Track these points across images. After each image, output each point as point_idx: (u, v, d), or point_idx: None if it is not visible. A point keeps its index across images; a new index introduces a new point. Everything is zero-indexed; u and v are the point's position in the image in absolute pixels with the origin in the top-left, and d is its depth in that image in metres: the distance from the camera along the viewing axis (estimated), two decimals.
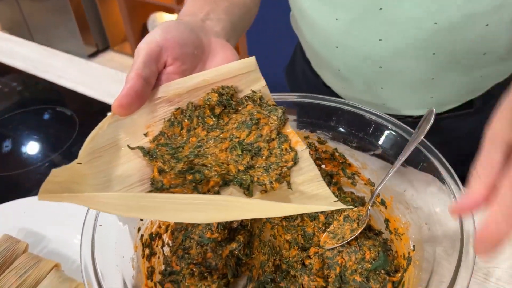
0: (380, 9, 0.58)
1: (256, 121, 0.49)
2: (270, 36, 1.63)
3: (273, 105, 0.51)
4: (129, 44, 3.00)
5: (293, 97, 0.63)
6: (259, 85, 0.52)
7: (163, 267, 0.59)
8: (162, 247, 0.60)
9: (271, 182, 0.47)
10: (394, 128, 0.58)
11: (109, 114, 0.45)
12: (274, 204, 0.41)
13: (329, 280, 0.54)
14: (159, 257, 0.59)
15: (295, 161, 0.49)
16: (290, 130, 0.51)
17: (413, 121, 0.73)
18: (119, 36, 3.19)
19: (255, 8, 0.69)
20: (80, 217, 0.49)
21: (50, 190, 0.38)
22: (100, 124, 0.45)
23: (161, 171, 0.46)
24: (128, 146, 0.46)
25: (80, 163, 0.43)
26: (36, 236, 0.67)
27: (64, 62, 1.11)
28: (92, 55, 3.13)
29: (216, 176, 0.46)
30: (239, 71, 0.50)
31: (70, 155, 0.82)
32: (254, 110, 0.50)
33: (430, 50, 0.59)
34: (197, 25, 0.52)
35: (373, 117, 0.60)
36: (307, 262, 0.57)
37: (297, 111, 0.65)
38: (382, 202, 0.61)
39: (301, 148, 0.50)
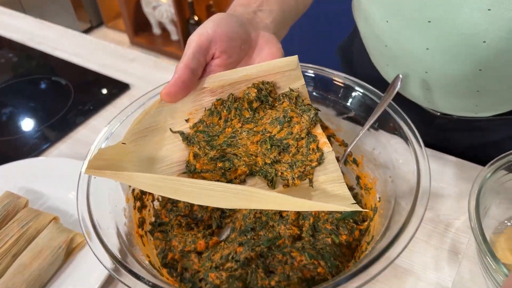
0: (429, 22, 0.59)
1: (289, 119, 0.51)
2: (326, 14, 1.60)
3: (308, 104, 0.53)
4: (122, 21, 3.00)
5: None
6: (299, 83, 0.53)
7: (153, 219, 0.64)
8: (153, 201, 0.65)
9: (293, 178, 0.51)
10: (365, 93, 0.63)
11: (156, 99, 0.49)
12: (291, 199, 0.42)
13: (303, 228, 0.60)
14: (149, 210, 0.64)
15: (320, 162, 0.51)
16: (320, 131, 0.53)
17: (458, 119, 0.74)
18: (112, 12, 3.19)
19: (308, 1, 0.69)
20: (75, 176, 0.53)
21: (95, 166, 0.43)
22: (147, 108, 0.49)
23: (195, 156, 0.50)
24: (170, 130, 0.50)
25: (125, 143, 0.47)
26: (35, 193, 0.72)
27: (58, 34, 1.14)
28: (85, 31, 3.14)
29: (244, 166, 0.51)
30: (281, 69, 0.52)
31: (66, 122, 0.87)
32: (289, 108, 0.52)
33: (477, 66, 0.60)
34: (248, 17, 0.54)
35: (347, 82, 0.65)
36: (284, 214, 0.62)
37: None
38: (354, 161, 0.66)
39: (328, 150, 0.52)
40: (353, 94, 0.64)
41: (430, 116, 0.77)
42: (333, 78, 0.65)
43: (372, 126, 0.61)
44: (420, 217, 0.46)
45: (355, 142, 0.60)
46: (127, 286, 0.43)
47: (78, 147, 0.82)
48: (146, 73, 0.97)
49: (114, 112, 0.63)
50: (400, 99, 0.72)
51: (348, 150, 0.61)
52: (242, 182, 0.52)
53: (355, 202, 0.47)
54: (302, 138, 0.52)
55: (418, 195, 0.49)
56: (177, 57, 2.85)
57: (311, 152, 0.52)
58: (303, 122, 0.52)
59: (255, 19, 0.55)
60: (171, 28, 2.90)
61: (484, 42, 0.57)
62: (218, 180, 0.51)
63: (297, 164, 0.51)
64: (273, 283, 0.53)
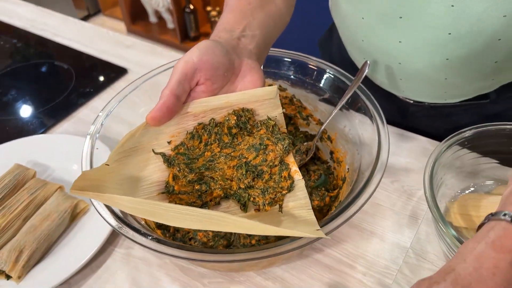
0: (400, 17, 0.65)
1: (265, 146, 0.54)
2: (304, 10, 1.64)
3: (283, 133, 0.56)
4: (119, 9, 3.05)
5: None
6: (277, 112, 0.57)
7: None
8: None
9: (264, 204, 0.54)
10: (338, 76, 0.71)
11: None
12: (259, 225, 0.45)
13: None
14: None
15: (290, 189, 0.55)
16: (292, 160, 0.56)
17: (430, 106, 0.81)
18: (110, 0, 3.24)
19: (288, 16, 0.72)
20: (77, 151, 0.61)
21: (80, 187, 0.46)
22: (133, 130, 0.52)
23: (175, 177, 0.54)
24: (153, 151, 0.54)
25: (108, 165, 0.50)
26: (42, 166, 0.79)
27: (58, 21, 1.21)
28: (83, 19, 3.19)
29: (219, 189, 0.54)
30: (260, 97, 0.56)
31: (68, 102, 0.94)
32: (265, 136, 0.55)
33: (444, 56, 0.67)
34: (232, 43, 0.56)
35: (322, 66, 0.72)
36: None
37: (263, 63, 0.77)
38: (329, 138, 0.74)
39: (298, 178, 0.55)
40: (328, 77, 0.72)
41: (405, 105, 0.85)
42: (310, 63, 0.73)
43: (344, 107, 0.68)
44: (376, 184, 0.54)
45: (328, 120, 0.68)
46: (129, 238, 0.50)
47: (80, 126, 0.89)
48: (142, 59, 1.04)
49: (113, 94, 0.70)
50: (376, 90, 0.80)
51: (322, 128, 0.69)
52: (217, 204, 0.55)
53: (319, 228, 0.49)
54: (275, 166, 0.55)
55: (376, 165, 0.56)
56: (172, 45, 2.91)
57: (282, 180, 0.55)
58: (277, 151, 0.54)
59: (239, 45, 0.57)
60: (167, 16, 2.95)
61: (450, 34, 0.64)
62: (194, 202, 0.54)
63: (269, 191, 0.54)
64: (253, 241, 0.60)
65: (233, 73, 0.55)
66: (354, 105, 0.68)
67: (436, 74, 0.72)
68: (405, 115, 0.88)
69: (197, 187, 0.54)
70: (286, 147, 0.55)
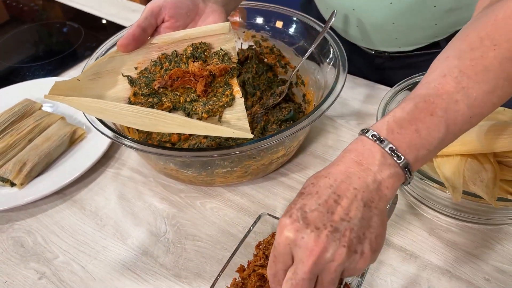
0: None
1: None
2: None
3: (232, 62, 0.64)
4: None
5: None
6: (229, 45, 0.65)
7: None
8: None
9: (202, 113, 0.62)
10: (311, 25, 0.79)
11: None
12: (198, 123, 0.57)
13: (256, 130, 0.76)
14: None
15: (229, 104, 0.62)
16: (235, 81, 0.64)
17: (390, 56, 0.89)
18: None
19: None
20: None
21: (54, 93, 0.57)
22: (105, 56, 0.63)
23: (135, 94, 0.63)
24: (122, 74, 0.64)
25: (79, 80, 0.60)
26: (48, 103, 0.89)
27: None
28: None
29: (168, 102, 0.63)
30: (215, 32, 0.64)
31: (76, 54, 1.05)
32: (217, 63, 0.63)
33: (389, 0, 0.76)
34: None
35: (297, 16, 0.80)
36: None
37: (246, 14, 0.85)
38: (302, 82, 0.82)
39: (239, 96, 0.63)
40: (301, 26, 0.80)
41: (368, 56, 0.92)
42: (287, 14, 0.81)
43: (316, 55, 0.76)
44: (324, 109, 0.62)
45: (300, 64, 0.76)
46: (125, 145, 0.59)
47: None
48: None
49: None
50: (348, 44, 0.87)
51: (295, 71, 0.77)
52: None
53: (251, 132, 0.58)
54: (221, 87, 0.64)
55: (328, 97, 0.64)
56: None
57: (223, 96, 0.63)
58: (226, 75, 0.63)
59: None
60: None
61: None
62: None
63: (209, 103, 0.62)
64: (226, 163, 0.69)
65: (196, 13, 0.65)
66: (325, 54, 0.76)
67: (384, 19, 0.79)
68: (371, 67, 0.95)
69: (150, 99, 0.63)
70: (231, 71, 0.63)
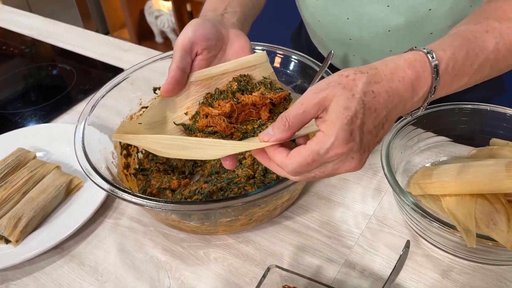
0: None
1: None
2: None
3: (279, 88, 0.62)
4: (127, 30, 3.19)
5: None
6: (270, 72, 0.64)
7: (137, 166, 0.79)
8: (137, 152, 0.80)
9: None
10: (308, 63, 0.78)
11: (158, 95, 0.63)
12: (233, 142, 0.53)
13: (257, 171, 0.74)
14: (134, 159, 0.79)
15: None
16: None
17: None
18: (118, 22, 3.39)
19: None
20: (71, 139, 0.68)
21: (121, 132, 0.56)
22: (153, 101, 0.63)
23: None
24: (174, 123, 0.61)
25: (141, 123, 0.59)
26: (42, 150, 0.87)
27: (64, 30, 1.31)
28: None
29: (238, 133, 0.59)
30: (253, 63, 0.62)
31: (69, 98, 1.03)
32: (266, 91, 0.61)
33: (386, 28, 0.77)
34: (218, 19, 0.65)
35: (293, 55, 0.80)
36: (243, 161, 0.77)
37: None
38: None
39: None
40: (298, 65, 0.79)
41: None
42: (282, 53, 0.81)
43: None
44: None
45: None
46: (122, 199, 0.57)
47: (78, 117, 0.97)
48: (138, 60, 1.11)
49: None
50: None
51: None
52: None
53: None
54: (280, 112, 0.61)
55: None
56: None
57: None
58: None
59: (223, 19, 0.67)
60: (172, 36, 3.08)
61: (388, 6, 0.73)
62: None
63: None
64: (230, 212, 0.67)
65: (223, 41, 0.64)
66: None
67: (382, 45, 0.80)
68: None
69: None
70: (288, 98, 0.62)
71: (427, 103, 0.49)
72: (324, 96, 0.43)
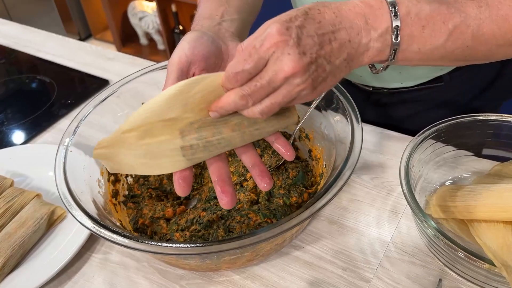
0: None
1: None
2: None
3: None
4: (110, 32, 3.09)
5: None
6: None
7: (126, 192, 0.72)
8: (126, 177, 0.73)
9: None
10: None
11: None
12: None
13: (261, 195, 0.67)
14: (123, 184, 0.72)
15: None
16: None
17: (389, 92, 0.84)
18: (100, 24, 3.27)
19: (260, 1, 0.76)
20: (52, 161, 0.61)
21: (99, 153, 0.50)
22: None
23: None
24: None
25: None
26: (20, 176, 0.78)
27: (42, 38, 1.22)
28: None
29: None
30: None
31: (50, 114, 0.94)
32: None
33: None
34: (215, 30, 0.58)
35: None
36: (244, 184, 0.69)
37: None
38: (307, 136, 0.74)
39: None
40: None
41: (365, 93, 0.86)
42: None
43: (321, 106, 0.69)
44: (345, 179, 0.54)
45: (304, 118, 0.68)
46: (108, 240, 0.50)
47: (61, 136, 0.88)
48: (123, 70, 1.04)
49: (94, 105, 0.70)
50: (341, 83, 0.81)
51: (298, 126, 0.69)
52: None
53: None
54: None
55: (348, 161, 0.56)
56: None
57: None
58: None
59: (221, 30, 0.59)
60: (157, 38, 2.98)
61: None
62: None
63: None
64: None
65: (222, 59, 0.57)
66: (330, 104, 0.68)
67: None
68: (366, 104, 0.89)
69: None
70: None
71: (398, 51, 0.46)
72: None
